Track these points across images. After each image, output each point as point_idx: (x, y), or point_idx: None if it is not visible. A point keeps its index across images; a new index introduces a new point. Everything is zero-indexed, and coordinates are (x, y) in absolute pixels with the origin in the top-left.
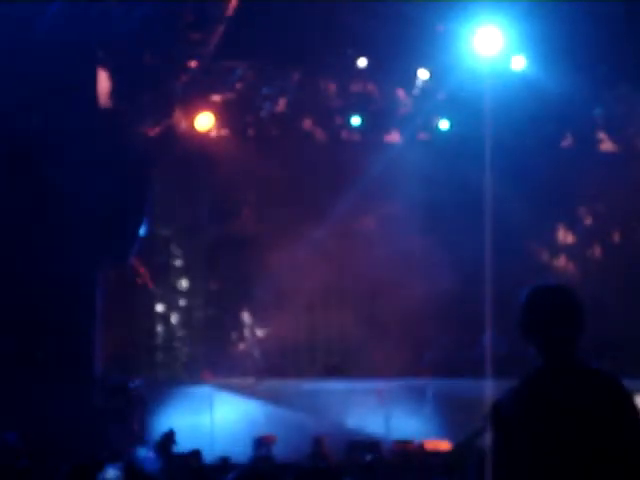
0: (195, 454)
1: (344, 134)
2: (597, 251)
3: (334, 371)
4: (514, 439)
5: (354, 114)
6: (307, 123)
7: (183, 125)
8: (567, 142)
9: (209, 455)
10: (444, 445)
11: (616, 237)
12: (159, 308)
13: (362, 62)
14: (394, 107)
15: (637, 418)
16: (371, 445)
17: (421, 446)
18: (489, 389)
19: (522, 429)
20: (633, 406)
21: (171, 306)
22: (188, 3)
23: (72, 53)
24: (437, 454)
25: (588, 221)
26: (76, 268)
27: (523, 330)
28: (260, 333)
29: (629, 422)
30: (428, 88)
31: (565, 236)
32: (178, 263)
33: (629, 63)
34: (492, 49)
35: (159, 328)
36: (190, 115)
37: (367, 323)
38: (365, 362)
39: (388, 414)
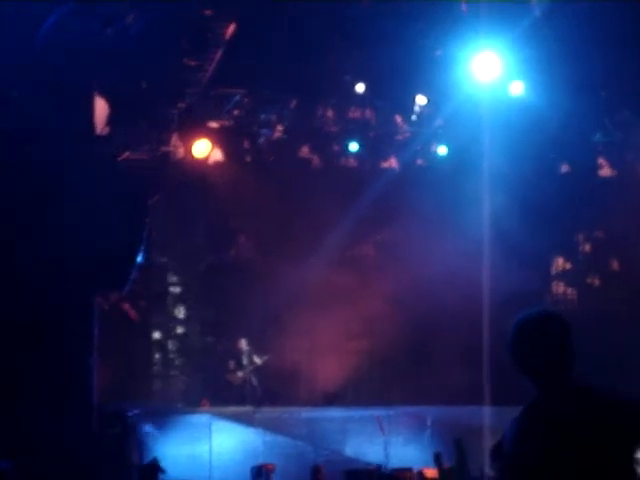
0: None
1: (342, 160)
2: (596, 279)
3: (333, 399)
4: (516, 472)
5: (352, 140)
6: (304, 149)
7: (180, 152)
8: (566, 168)
9: None
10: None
11: (615, 264)
12: (156, 336)
13: (360, 88)
14: (392, 133)
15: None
16: (369, 473)
17: (420, 474)
18: (487, 416)
19: (522, 460)
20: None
21: (168, 334)
22: (186, 30)
23: (67, 79)
24: None
25: (587, 248)
26: (73, 295)
27: (513, 362)
28: (258, 360)
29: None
30: (426, 114)
31: (563, 263)
32: (175, 290)
33: (629, 89)
34: (490, 74)
35: (156, 356)
36: (187, 142)
37: (366, 352)
38: (364, 390)
39: (387, 442)
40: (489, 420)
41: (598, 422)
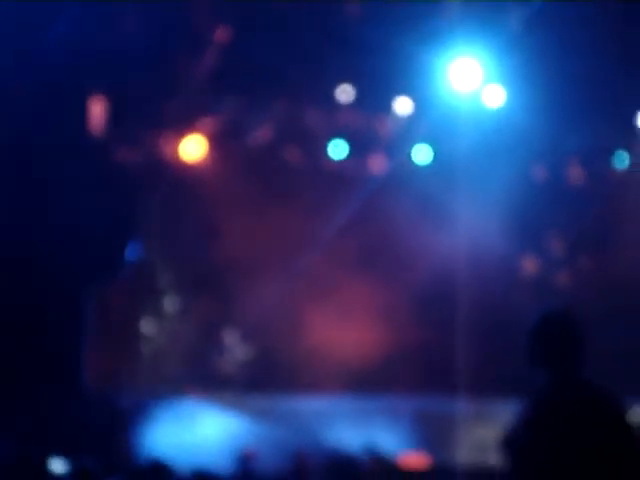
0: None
1: (328, 163)
2: (564, 279)
3: (314, 388)
4: (528, 461)
5: (337, 144)
6: (293, 151)
7: (170, 152)
8: (540, 173)
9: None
10: (421, 460)
11: (586, 265)
12: (145, 329)
13: (345, 92)
14: (377, 137)
15: (630, 436)
16: (349, 461)
17: (399, 462)
18: (465, 405)
19: (529, 452)
20: (625, 424)
21: (158, 327)
22: (179, 31)
23: (61, 79)
24: (415, 470)
25: (559, 250)
26: (64, 290)
27: (532, 356)
28: (245, 351)
29: (621, 438)
30: (409, 120)
31: (536, 265)
32: (165, 285)
33: (602, 97)
34: (470, 82)
35: (145, 347)
36: (178, 142)
37: (360, 343)
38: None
39: (367, 430)
40: (465, 408)
41: (598, 415)
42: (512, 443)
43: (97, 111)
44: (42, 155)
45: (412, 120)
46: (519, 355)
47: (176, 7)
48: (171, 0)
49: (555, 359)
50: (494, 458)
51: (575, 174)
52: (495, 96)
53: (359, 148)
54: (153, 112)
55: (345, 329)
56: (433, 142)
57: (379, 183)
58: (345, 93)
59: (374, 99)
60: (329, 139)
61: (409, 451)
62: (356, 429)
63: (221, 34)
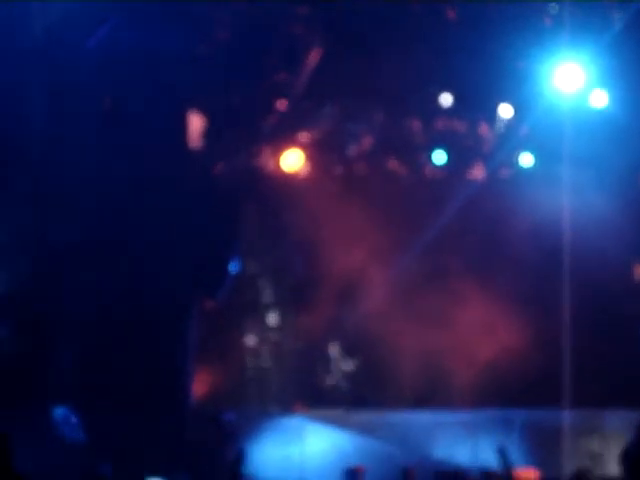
0: None
1: (429, 172)
2: None
3: (422, 402)
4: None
5: (438, 151)
6: (392, 161)
7: (271, 164)
8: None
9: None
10: (532, 474)
11: None
12: (249, 342)
13: (446, 99)
14: (478, 144)
15: None
16: (458, 475)
17: (509, 476)
18: (574, 419)
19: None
20: None
21: (261, 340)
22: (276, 44)
23: (162, 94)
24: None
25: None
26: (170, 305)
27: None
28: (348, 366)
29: None
30: (511, 124)
31: None
32: (267, 299)
33: None
34: (573, 85)
35: (250, 361)
36: (278, 154)
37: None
38: (452, 392)
39: (475, 444)
40: (575, 422)
41: None
42: (629, 457)
43: (197, 126)
44: (144, 173)
45: (513, 125)
46: (631, 364)
47: (273, 20)
48: (268, 14)
49: None
50: (602, 469)
51: None
52: (599, 98)
53: (459, 155)
54: (253, 125)
55: (451, 340)
56: (536, 146)
57: (481, 188)
58: (445, 100)
59: (474, 106)
60: (429, 147)
61: (519, 464)
62: (464, 442)
63: (318, 46)
